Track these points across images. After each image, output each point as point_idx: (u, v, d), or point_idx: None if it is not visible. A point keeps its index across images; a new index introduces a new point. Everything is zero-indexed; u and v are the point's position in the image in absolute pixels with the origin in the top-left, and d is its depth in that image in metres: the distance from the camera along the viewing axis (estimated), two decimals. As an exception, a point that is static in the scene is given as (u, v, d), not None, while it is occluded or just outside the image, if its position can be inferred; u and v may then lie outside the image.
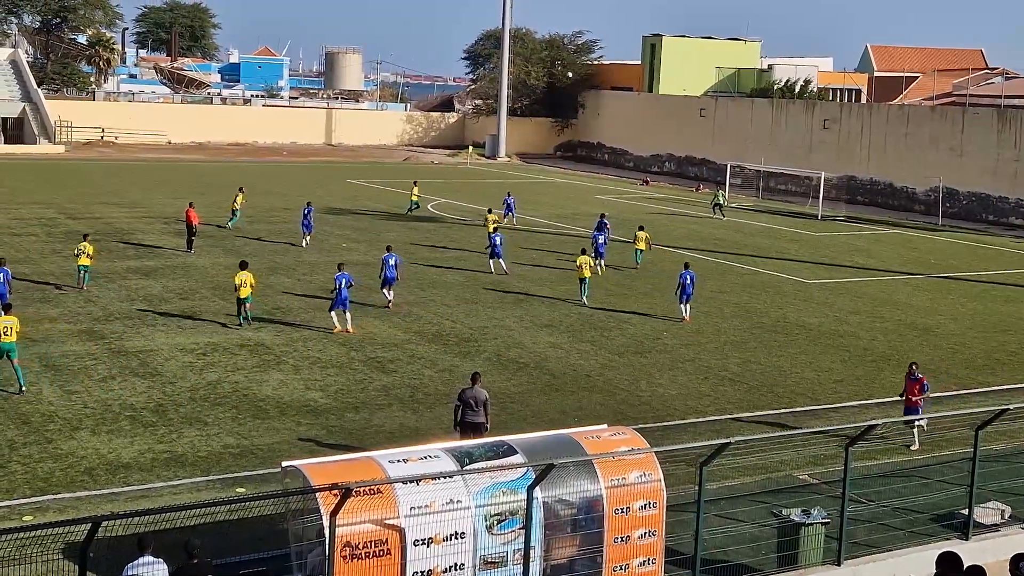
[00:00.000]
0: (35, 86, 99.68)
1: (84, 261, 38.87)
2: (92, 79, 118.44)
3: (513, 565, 16.26)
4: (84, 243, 39.45)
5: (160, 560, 14.50)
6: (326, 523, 14.94)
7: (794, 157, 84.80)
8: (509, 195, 61.84)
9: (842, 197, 79.75)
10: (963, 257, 56.96)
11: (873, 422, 20.90)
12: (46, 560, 14.79)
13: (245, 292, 34.46)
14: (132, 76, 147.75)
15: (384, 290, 37.98)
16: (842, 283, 46.97)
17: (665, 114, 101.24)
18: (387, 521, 15.44)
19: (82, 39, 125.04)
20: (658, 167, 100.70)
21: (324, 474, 15.78)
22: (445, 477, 16.05)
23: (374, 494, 15.37)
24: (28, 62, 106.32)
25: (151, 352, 31.01)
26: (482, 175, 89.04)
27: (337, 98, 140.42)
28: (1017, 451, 24.07)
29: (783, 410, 28.39)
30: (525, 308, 38.89)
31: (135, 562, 14.46)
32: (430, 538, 15.66)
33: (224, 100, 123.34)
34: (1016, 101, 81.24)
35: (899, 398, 26.56)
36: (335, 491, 14.83)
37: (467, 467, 16.37)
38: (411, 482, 15.74)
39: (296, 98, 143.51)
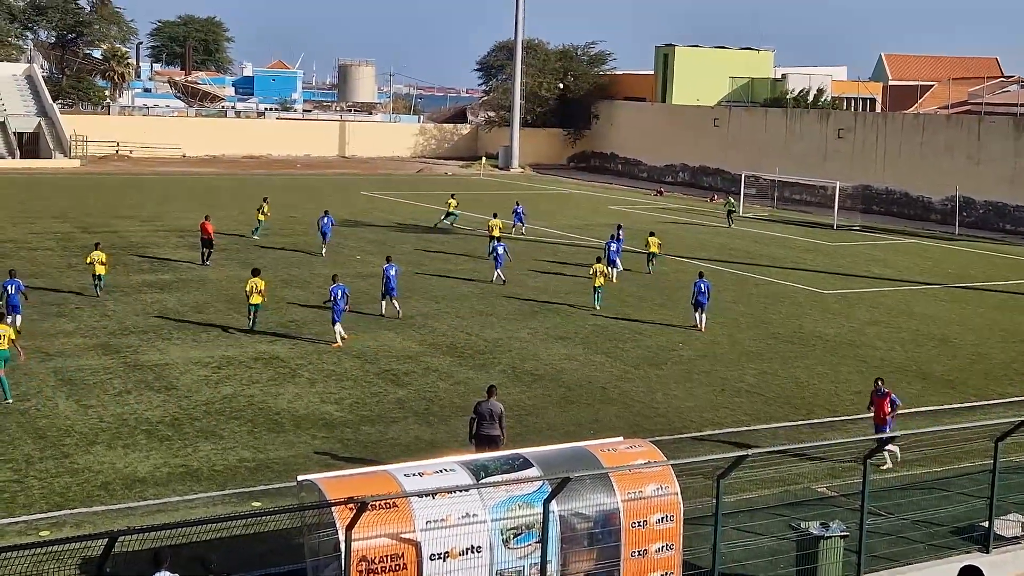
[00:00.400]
0: (50, 101, 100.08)
1: (99, 270, 39.58)
2: (107, 93, 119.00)
3: (530, 579, 16.19)
4: (96, 252, 39.94)
5: (176, 575, 14.46)
6: (342, 537, 14.88)
7: (809, 167, 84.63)
8: (518, 204, 62.26)
9: (857, 206, 79.53)
10: (981, 267, 56.71)
11: (891, 434, 20.77)
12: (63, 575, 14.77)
13: (256, 299, 35.07)
14: (147, 90, 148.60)
15: (384, 301, 38.01)
16: (859, 293, 46.79)
17: (679, 124, 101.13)
18: (403, 535, 15.37)
19: (97, 54, 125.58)
20: (672, 177, 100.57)
21: (340, 488, 15.72)
22: (461, 491, 15.97)
23: (390, 508, 15.31)
24: (43, 77, 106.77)
25: (166, 366, 31.02)
26: (496, 186, 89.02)
27: (350, 110, 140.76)
28: (1037, 462, 23.90)
29: (800, 422, 28.24)
30: (540, 320, 38.81)
31: (151, 577, 14.43)
32: (446, 552, 15.58)
33: (238, 113, 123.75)
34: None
35: (867, 413, 26.17)
36: (350, 505, 14.78)
37: (483, 480, 16.29)
38: (427, 496, 15.67)
39: (310, 111, 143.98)
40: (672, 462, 17.99)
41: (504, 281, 44.59)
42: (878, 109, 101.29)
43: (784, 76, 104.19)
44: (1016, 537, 20.00)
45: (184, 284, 42.82)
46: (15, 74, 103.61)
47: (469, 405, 24.62)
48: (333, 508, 15.12)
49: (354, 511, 14.64)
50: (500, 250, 45.25)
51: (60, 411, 26.65)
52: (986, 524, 19.63)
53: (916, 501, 21.76)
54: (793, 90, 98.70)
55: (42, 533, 19.68)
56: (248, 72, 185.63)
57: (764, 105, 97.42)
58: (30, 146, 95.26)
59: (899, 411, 25.02)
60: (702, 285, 37.91)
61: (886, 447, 23.69)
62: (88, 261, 40.17)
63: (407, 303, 39.31)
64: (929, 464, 24.67)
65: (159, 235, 55.52)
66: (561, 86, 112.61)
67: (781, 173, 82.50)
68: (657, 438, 23.70)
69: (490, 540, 15.92)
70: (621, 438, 19.22)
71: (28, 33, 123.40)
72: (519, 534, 16.12)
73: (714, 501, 17.04)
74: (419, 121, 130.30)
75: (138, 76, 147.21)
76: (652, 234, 50.49)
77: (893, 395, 24.80)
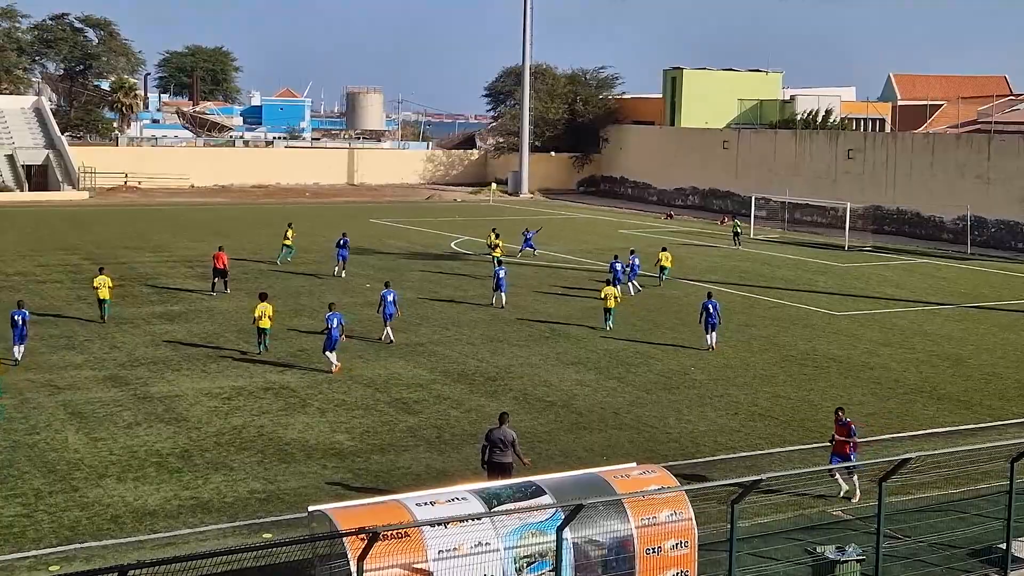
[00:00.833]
0: (58, 133, 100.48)
1: (104, 294, 39.81)
2: (115, 125, 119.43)
3: (544, 609, 16.02)
4: (101, 276, 40.10)
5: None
6: (353, 568, 14.77)
7: (819, 188, 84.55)
8: (527, 230, 63.07)
9: (868, 227, 79.36)
10: (993, 286, 56.45)
11: (907, 455, 20.54)
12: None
13: (265, 323, 35.54)
14: (155, 121, 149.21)
15: (387, 326, 38.11)
16: (871, 314, 46.59)
17: (688, 147, 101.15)
18: (415, 565, 15.24)
19: (105, 85, 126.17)
20: (682, 200, 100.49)
21: (351, 518, 15.60)
22: (473, 519, 15.84)
23: (402, 538, 15.19)
24: (52, 109, 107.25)
25: (176, 397, 30.93)
26: (505, 212, 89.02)
27: (359, 138, 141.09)
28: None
29: (814, 444, 28.01)
30: (551, 345, 38.69)
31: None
32: (459, 582, 15.44)
33: (246, 143, 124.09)
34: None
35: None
36: (362, 535, 14.65)
37: (495, 509, 16.16)
38: (439, 525, 15.53)
39: (318, 139, 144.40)
40: (686, 487, 17.84)
41: (503, 306, 44.64)
42: (888, 129, 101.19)
43: (793, 97, 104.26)
44: (1035, 559, 19.79)
45: (193, 315, 42.77)
46: (23, 107, 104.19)
47: (480, 432, 24.50)
48: (345, 539, 15.01)
49: (366, 541, 14.52)
50: (501, 274, 45.53)
51: (69, 444, 26.56)
52: (1004, 546, 19.42)
53: (932, 523, 21.56)
54: (802, 111, 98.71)
55: (52, 568, 19.56)
56: (256, 101, 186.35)
57: (773, 127, 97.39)
58: (39, 179, 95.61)
59: (856, 440, 24.48)
60: (710, 306, 38.16)
61: (852, 475, 23.55)
62: (94, 286, 40.39)
63: (417, 330, 39.22)
64: (945, 486, 24.43)
65: (168, 265, 55.55)
66: (581, 104, 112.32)
67: (791, 195, 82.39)
68: (671, 463, 23.55)
69: (503, 569, 15.79)
70: (634, 464, 19.09)
71: (36, 66, 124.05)
72: (532, 562, 15.98)
73: (729, 526, 16.87)
74: (428, 148, 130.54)
75: (146, 107, 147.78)
76: (664, 249, 53.88)
77: (852, 425, 24.42)
